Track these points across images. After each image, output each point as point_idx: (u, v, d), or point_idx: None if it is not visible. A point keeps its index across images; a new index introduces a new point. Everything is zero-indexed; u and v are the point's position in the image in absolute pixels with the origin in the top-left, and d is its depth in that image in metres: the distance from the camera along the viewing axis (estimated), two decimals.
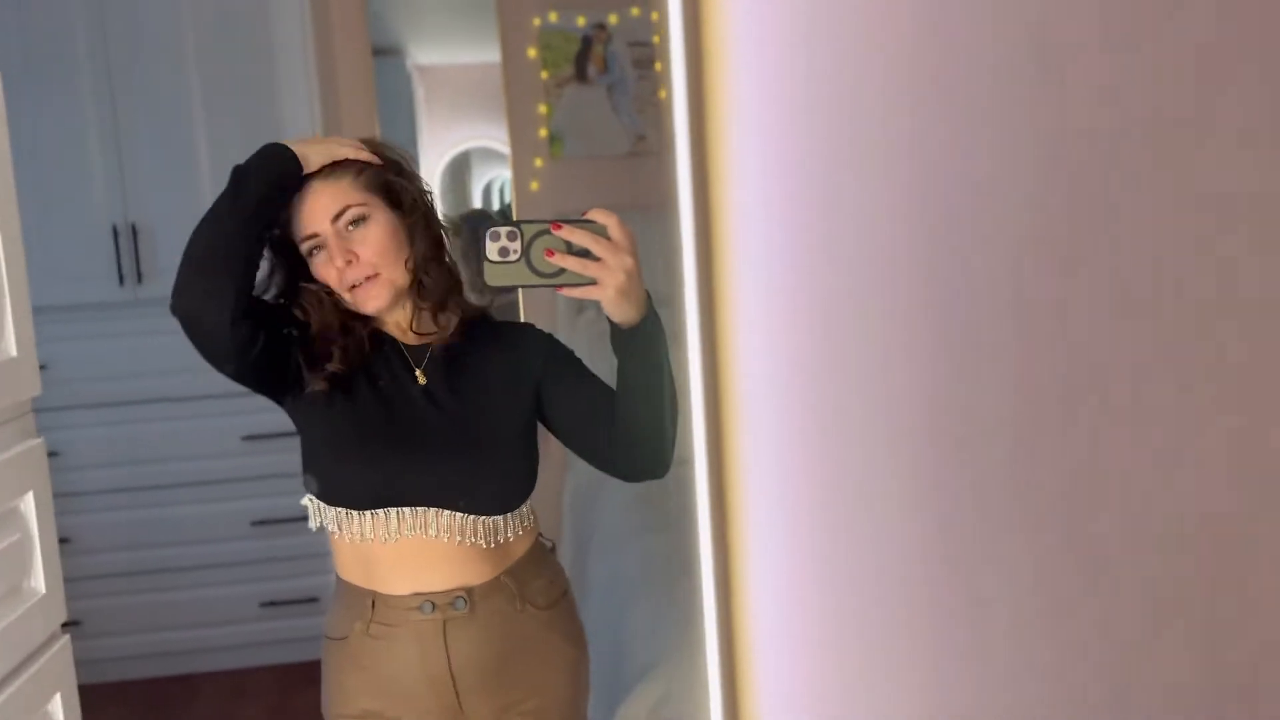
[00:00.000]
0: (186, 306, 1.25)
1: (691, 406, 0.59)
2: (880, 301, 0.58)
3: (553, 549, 1.44)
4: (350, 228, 1.27)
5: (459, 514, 1.29)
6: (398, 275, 1.30)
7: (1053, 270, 0.46)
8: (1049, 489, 0.48)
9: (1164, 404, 0.38)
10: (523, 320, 1.37)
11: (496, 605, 1.32)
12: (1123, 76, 0.38)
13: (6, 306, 1.06)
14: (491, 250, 1.11)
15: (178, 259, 3.32)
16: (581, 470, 3.30)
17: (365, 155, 1.30)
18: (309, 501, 1.35)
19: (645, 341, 1.19)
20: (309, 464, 1.34)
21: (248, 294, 1.25)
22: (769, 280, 0.63)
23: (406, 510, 1.29)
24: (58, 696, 1.11)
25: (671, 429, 1.27)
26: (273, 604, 3.17)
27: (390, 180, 1.31)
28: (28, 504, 1.09)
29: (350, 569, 1.34)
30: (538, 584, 1.36)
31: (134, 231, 3.00)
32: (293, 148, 1.26)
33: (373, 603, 1.32)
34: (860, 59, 0.57)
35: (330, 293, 1.31)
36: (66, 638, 1.14)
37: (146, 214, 3.01)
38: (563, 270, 1.11)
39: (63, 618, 1.14)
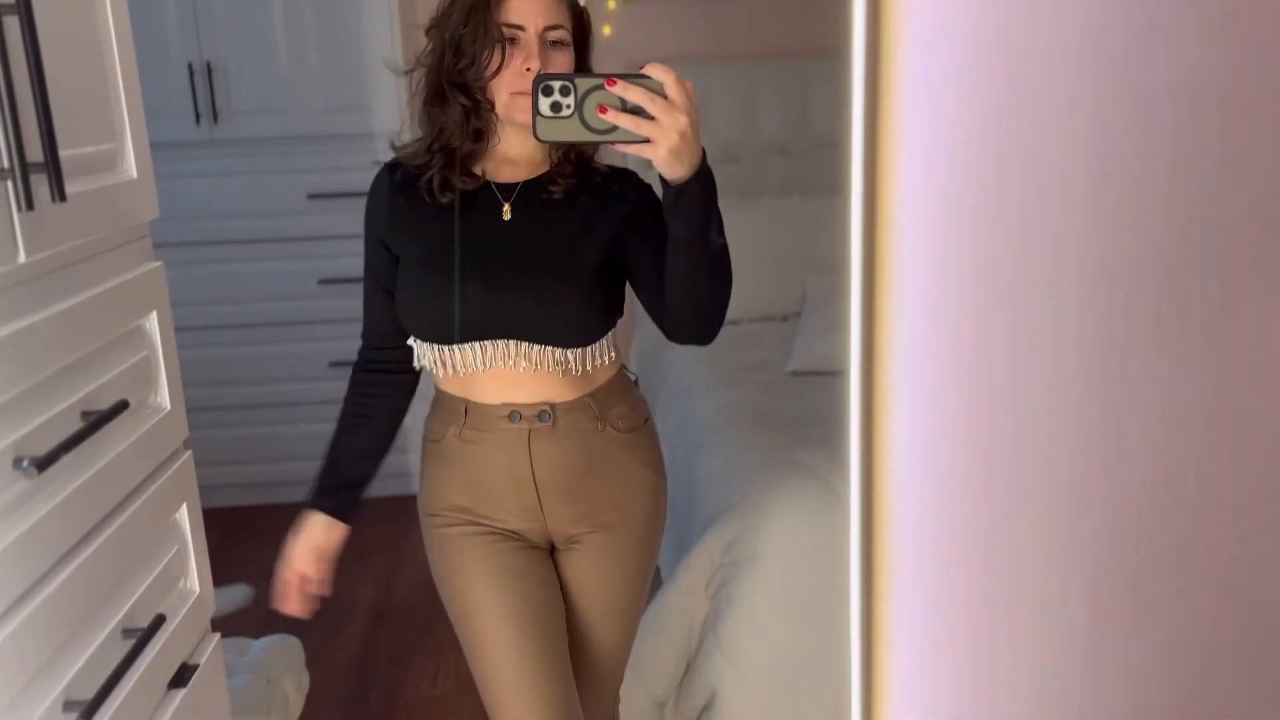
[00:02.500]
0: None
1: (851, 287, 0.58)
2: (1054, 200, 0.56)
3: (635, 382, 1.50)
4: (550, 44, 1.31)
5: (540, 345, 1.35)
6: None
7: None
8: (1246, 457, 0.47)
9: None
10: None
11: (578, 422, 1.40)
12: None
13: (127, 131, 1.07)
14: (544, 104, 1.10)
15: (252, 99, 3.29)
16: (649, 328, 3.33)
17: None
18: (413, 343, 1.42)
19: (692, 200, 1.18)
20: (405, 308, 1.40)
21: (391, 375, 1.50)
22: (935, 150, 0.61)
23: (493, 342, 1.36)
24: (184, 506, 1.18)
25: (717, 297, 1.30)
26: None
27: (585, 30, 1.37)
28: (152, 323, 1.13)
29: (447, 382, 1.43)
30: (619, 409, 1.43)
31: (209, 71, 2.99)
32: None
33: (465, 410, 1.41)
34: None
35: (470, 112, 1.34)
36: (189, 453, 1.20)
37: (221, 53, 2.99)
38: (615, 127, 1.10)
39: (185, 434, 1.20)
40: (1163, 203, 0.53)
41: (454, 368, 1.38)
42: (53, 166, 0.87)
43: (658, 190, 1.41)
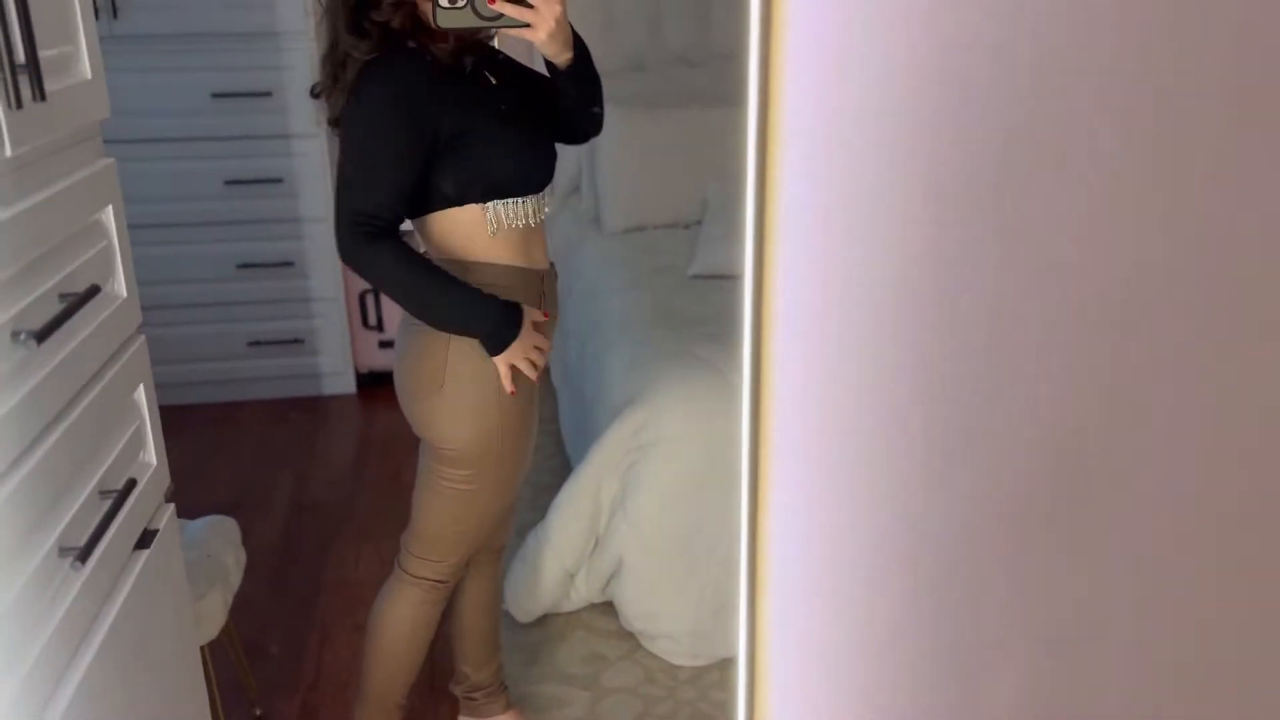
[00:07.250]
0: None
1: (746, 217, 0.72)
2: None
3: None
4: None
5: (550, 188, 1.59)
6: None
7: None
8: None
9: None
10: None
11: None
12: None
13: (81, 33, 1.14)
14: None
15: None
16: (560, 230, 3.45)
17: None
18: (489, 208, 1.49)
19: (575, 73, 1.46)
20: (497, 168, 1.48)
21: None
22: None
23: (545, 192, 1.57)
24: (141, 387, 1.28)
25: (597, 112, 1.58)
26: (259, 343, 3.35)
27: None
28: (108, 216, 1.21)
29: (517, 257, 1.53)
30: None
31: None
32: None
33: (542, 278, 1.57)
34: None
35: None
36: (143, 338, 1.29)
37: None
38: (501, 15, 1.35)
39: (139, 319, 1.29)
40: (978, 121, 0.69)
41: (524, 219, 1.50)
42: (34, 68, 0.95)
43: None
